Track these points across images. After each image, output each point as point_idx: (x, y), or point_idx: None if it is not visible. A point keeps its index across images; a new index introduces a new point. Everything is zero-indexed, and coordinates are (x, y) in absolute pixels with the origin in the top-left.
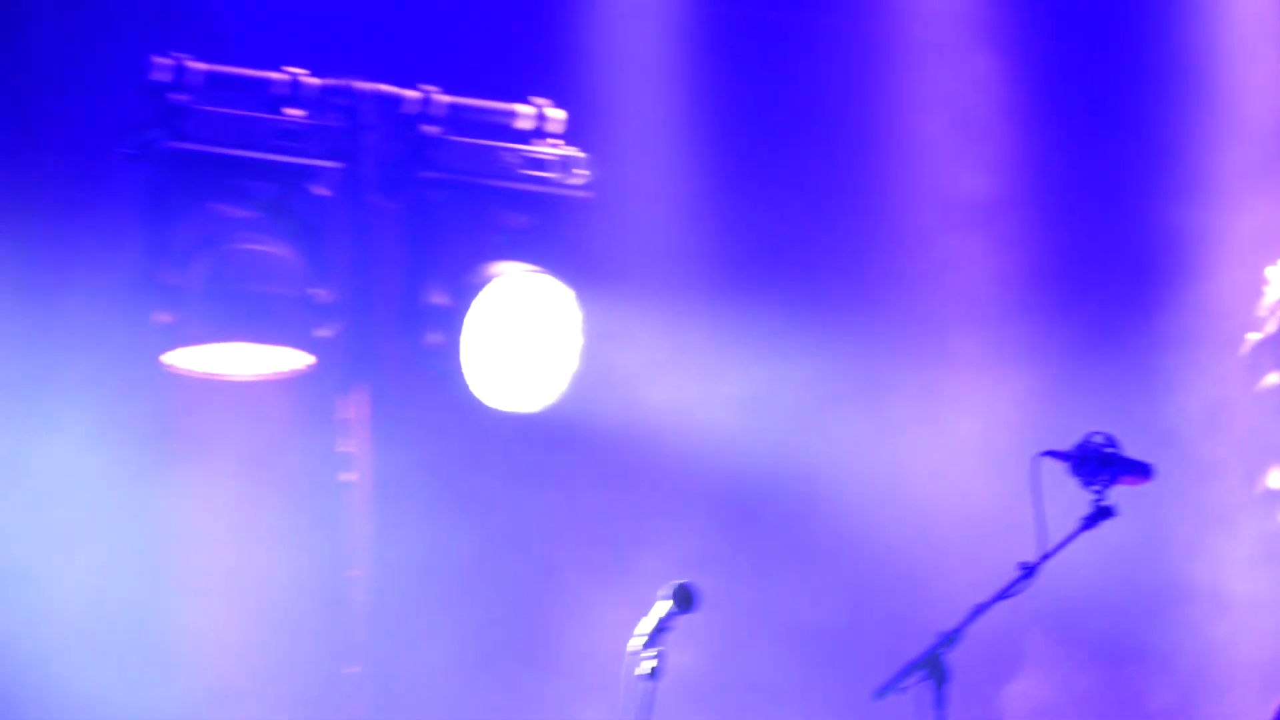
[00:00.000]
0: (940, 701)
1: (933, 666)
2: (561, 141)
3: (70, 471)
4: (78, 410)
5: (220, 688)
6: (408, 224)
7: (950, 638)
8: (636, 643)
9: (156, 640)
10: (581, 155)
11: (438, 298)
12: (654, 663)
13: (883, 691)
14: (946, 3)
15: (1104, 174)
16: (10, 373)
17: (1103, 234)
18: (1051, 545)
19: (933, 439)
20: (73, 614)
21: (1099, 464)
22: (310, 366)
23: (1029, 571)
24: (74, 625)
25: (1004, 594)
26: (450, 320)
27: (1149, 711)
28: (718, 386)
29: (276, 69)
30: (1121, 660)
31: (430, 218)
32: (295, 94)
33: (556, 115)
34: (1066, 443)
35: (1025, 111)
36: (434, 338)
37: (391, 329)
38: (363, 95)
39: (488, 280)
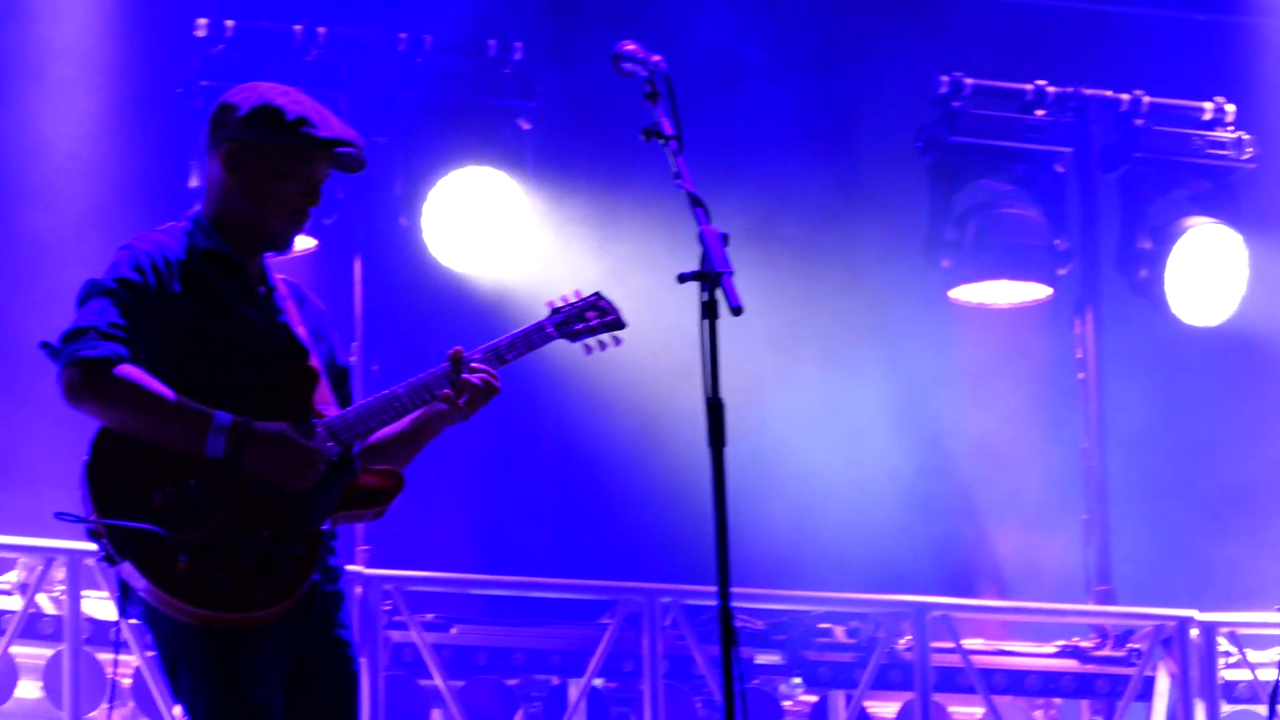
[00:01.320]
0: None
1: None
2: (1233, 127)
3: (879, 378)
4: (881, 330)
5: (986, 534)
6: (1123, 191)
7: None
8: None
9: (953, 496)
10: (1248, 137)
11: (1145, 244)
12: None
13: None
14: None
15: None
16: (838, 306)
17: None
18: None
19: None
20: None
21: None
22: (1051, 296)
23: None
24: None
25: None
26: (1155, 260)
27: None
28: None
29: (1027, 81)
30: None
31: (1139, 186)
32: (1039, 99)
33: (1230, 108)
34: None
35: None
36: (1143, 273)
37: (1111, 268)
38: (1089, 99)
39: (1182, 231)
